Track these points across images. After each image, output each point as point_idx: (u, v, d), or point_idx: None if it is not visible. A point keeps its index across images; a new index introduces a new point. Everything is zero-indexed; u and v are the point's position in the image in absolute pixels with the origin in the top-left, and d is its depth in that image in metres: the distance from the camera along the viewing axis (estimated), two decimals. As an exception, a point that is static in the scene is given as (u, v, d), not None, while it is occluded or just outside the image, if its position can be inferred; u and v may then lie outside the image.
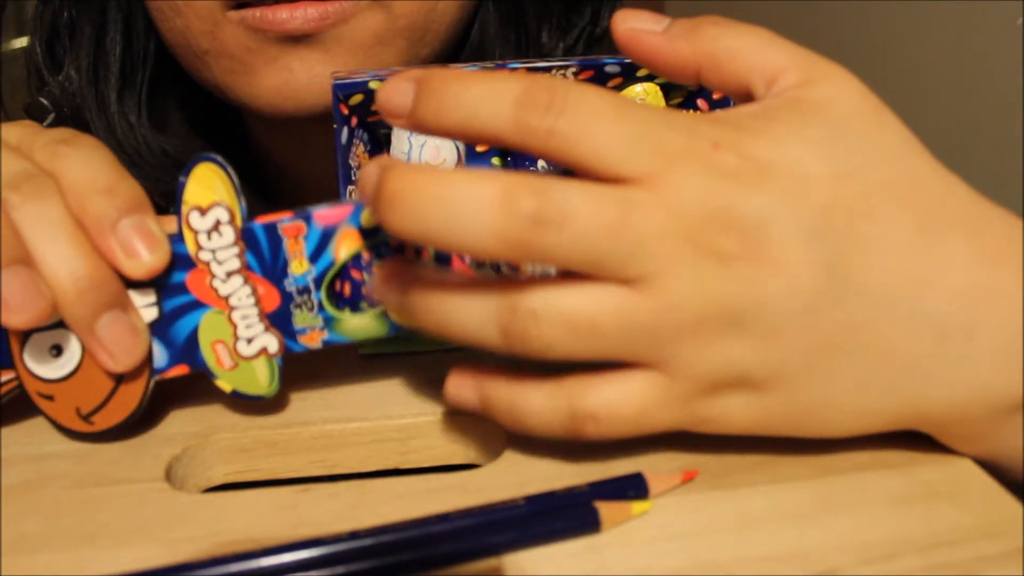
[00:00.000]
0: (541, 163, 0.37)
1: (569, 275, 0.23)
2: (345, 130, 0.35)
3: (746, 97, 0.26)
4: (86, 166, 0.27)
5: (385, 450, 0.29)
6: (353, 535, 0.23)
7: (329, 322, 0.28)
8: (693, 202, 0.23)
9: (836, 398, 0.24)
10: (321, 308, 0.28)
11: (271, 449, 0.29)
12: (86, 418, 0.28)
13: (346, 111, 0.35)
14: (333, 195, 0.36)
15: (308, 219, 0.27)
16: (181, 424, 0.29)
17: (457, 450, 0.30)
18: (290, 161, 0.51)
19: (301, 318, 0.28)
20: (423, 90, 0.24)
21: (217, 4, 0.39)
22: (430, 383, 0.31)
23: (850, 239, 0.23)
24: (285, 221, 0.27)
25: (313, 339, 0.28)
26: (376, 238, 0.28)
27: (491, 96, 0.23)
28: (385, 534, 0.23)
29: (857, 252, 0.23)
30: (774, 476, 0.25)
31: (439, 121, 0.24)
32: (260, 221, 0.27)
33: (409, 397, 0.30)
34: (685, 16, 0.27)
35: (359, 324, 0.28)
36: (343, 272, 0.29)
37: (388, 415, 0.29)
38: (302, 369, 0.31)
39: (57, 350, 0.28)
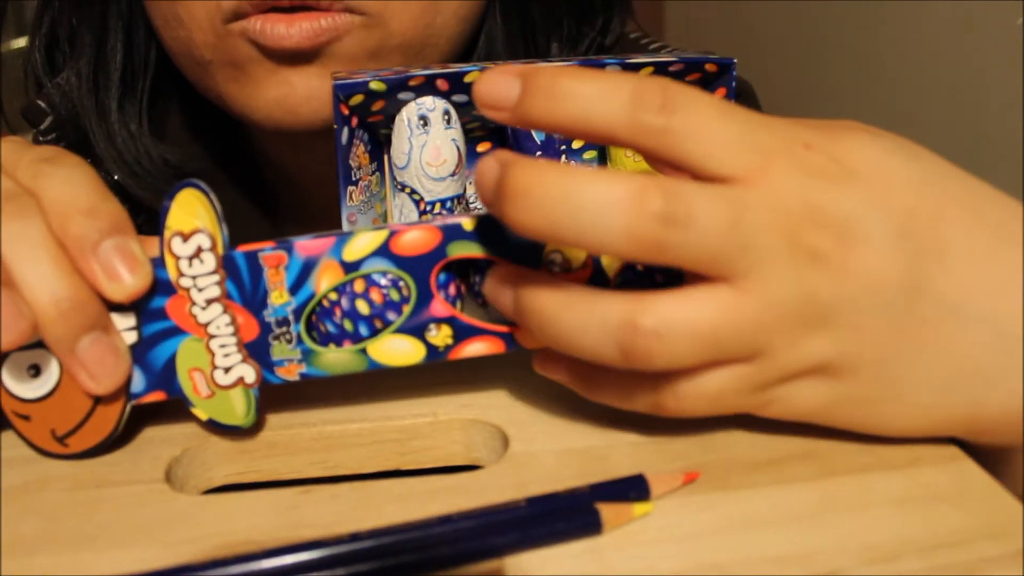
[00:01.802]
0: None
1: (665, 285, 0.24)
2: (345, 130, 0.35)
3: None
4: (68, 186, 0.27)
5: (385, 451, 0.29)
6: (354, 537, 0.23)
7: (307, 355, 0.28)
8: (790, 200, 0.24)
9: (900, 392, 0.25)
10: (299, 341, 0.28)
11: (271, 450, 0.29)
12: (61, 440, 0.27)
13: (346, 111, 0.35)
14: (334, 197, 0.36)
15: (290, 249, 0.27)
16: (181, 425, 0.29)
17: (458, 451, 0.30)
18: (291, 166, 0.51)
19: (279, 350, 0.28)
20: (532, 85, 0.24)
21: (219, 15, 0.39)
22: (430, 384, 0.31)
23: (930, 241, 0.24)
24: (267, 250, 0.27)
25: (291, 372, 0.28)
26: (357, 271, 0.27)
27: (605, 94, 0.23)
28: (386, 536, 0.23)
29: (935, 255, 0.24)
30: (776, 477, 0.25)
31: (549, 116, 0.24)
32: (241, 249, 0.27)
33: (409, 398, 0.30)
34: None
35: (337, 359, 0.28)
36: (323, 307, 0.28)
37: (388, 416, 0.29)
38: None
39: (35, 370, 0.27)
